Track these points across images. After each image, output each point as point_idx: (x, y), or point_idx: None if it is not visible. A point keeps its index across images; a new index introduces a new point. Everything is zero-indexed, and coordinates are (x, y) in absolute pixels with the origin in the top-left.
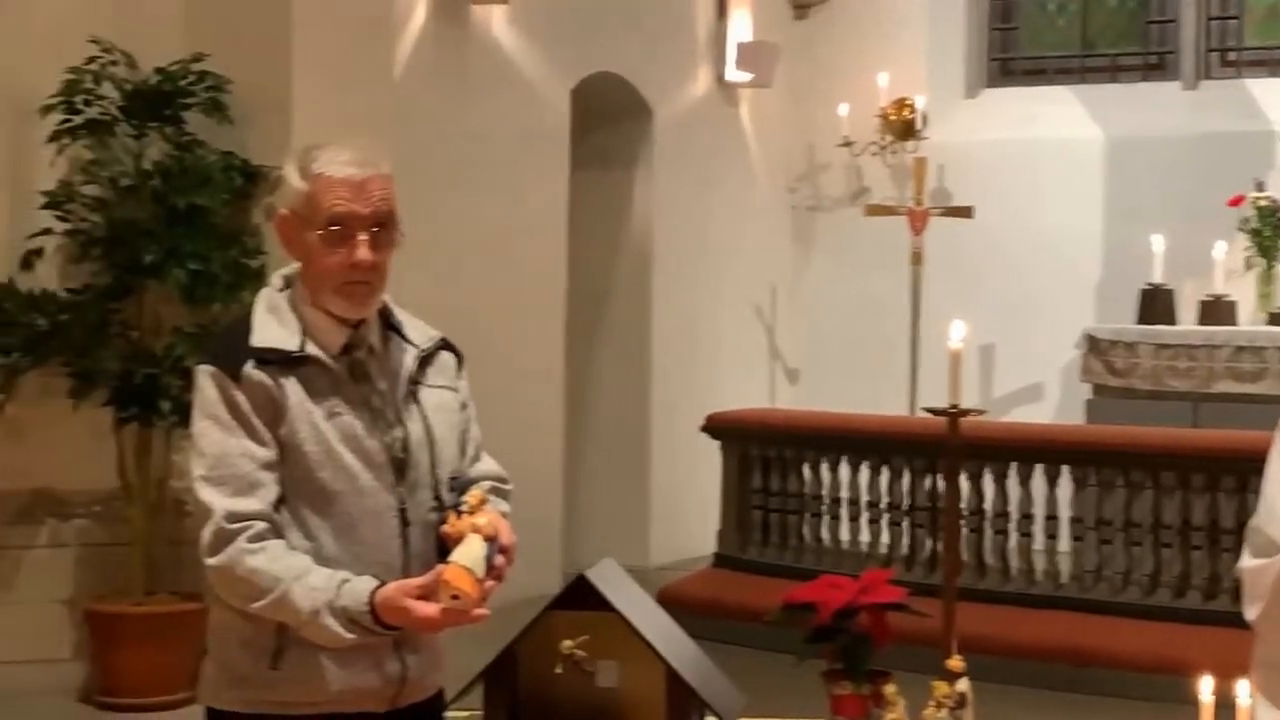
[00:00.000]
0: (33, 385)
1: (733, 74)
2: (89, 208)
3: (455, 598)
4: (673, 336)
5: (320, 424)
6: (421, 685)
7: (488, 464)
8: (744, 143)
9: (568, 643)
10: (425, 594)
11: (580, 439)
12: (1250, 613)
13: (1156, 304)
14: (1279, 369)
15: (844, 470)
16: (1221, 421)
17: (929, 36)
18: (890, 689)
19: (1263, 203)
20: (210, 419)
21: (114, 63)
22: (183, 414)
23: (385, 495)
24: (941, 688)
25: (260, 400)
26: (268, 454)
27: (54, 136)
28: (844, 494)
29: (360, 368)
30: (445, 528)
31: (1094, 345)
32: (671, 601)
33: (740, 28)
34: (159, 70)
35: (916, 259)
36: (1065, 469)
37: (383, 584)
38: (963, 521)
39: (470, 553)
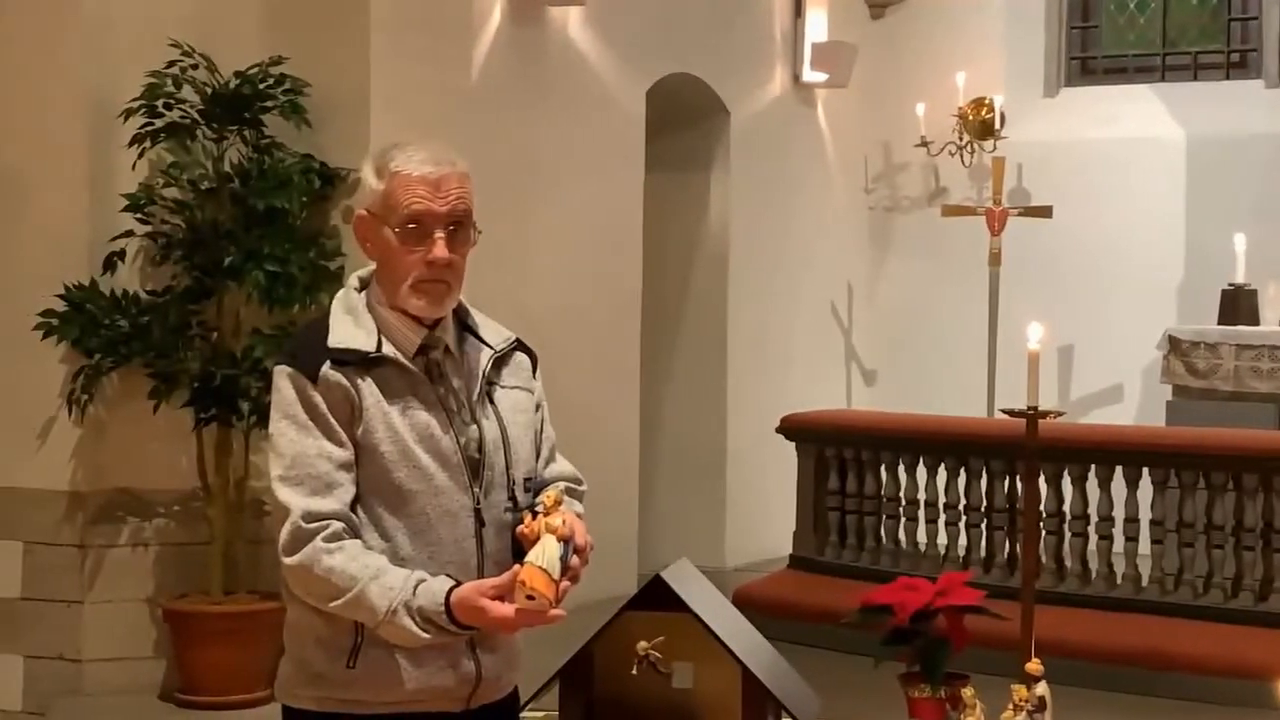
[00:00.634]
0: (114, 386)
1: (809, 74)
2: (169, 210)
3: (531, 598)
4: (748, 338)
5: (396, 424)
6: (497, 685)
7: (562, 465)
8: (820, 143)
9: (643, 644)
10: (501, 594)
11: (656, 440)
12: None
13: (1239, 304)
14: None
15: (921, 472)
16: None
17: (1007, 35)
18: (968, 692)
19: None
20: (288, 419)
21: (194, 66)
22: (261, 414)
23: (460, 495)
24: (1020, 691)
25: (337, 401)
26: (344, 454)
27: (135, 140)
28: (921, 496)
29: (436, 368)
30: (521, 528)
31: (1175, 346)
32: (747, 603)
33: (816, 28)
34: (238, 74)
35: (994, 260)
36: (1145, 471)
37: (458, 584)
38: (1041, 524)
39: (546, 553)
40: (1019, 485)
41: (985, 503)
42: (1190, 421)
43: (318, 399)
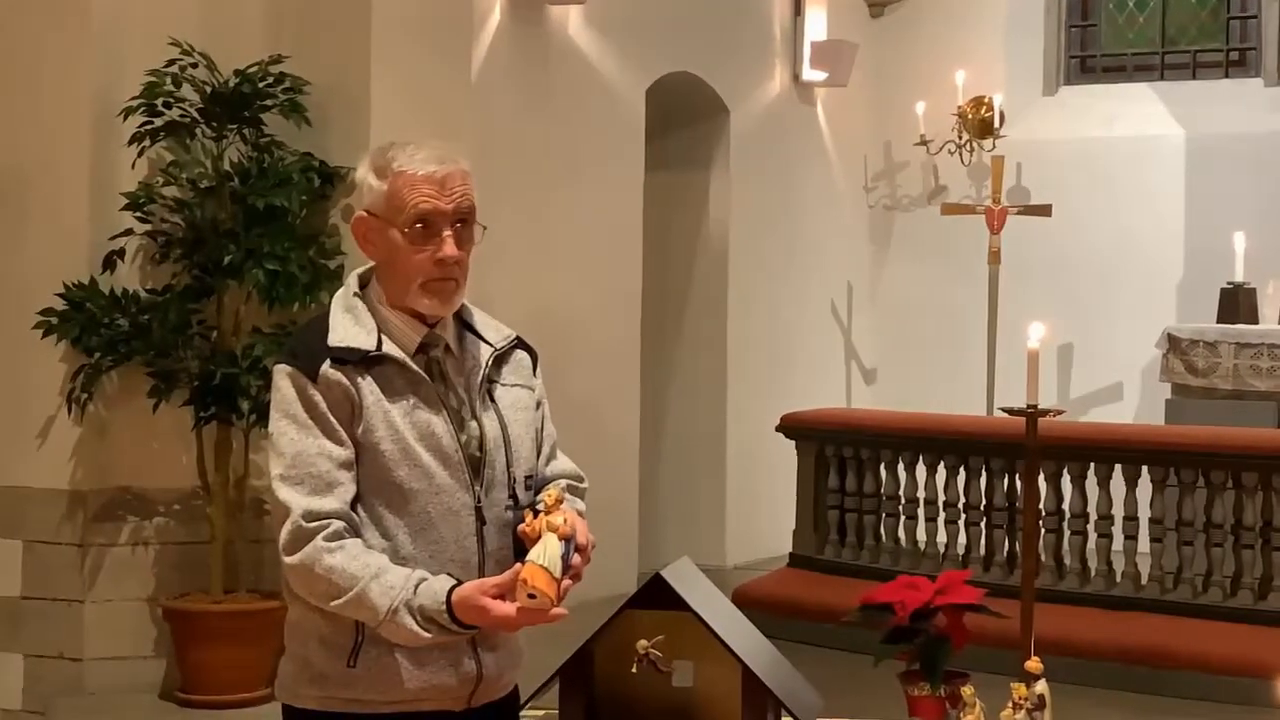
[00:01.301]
0: (114, 385)
1: (809, 73)
2: (169, 209)
3: (532, 597)
4: (749, 336)
5: (397, 422)
6: (498, 684)
7: (563, 463)
8: (820, 142)
9: (643, 642)
10: (502, 593)
11: (656, 439)
12: None
13: (1238, 303)
14: None
15: (921, 470)
16: None
17: (1006, 34)
18: (968, 690)
19: None
20: (288, 418)
21: (194, 65)
22: (261, 414)
23: (461, 494)
24: (1020, 689)
25: (337, 399)
26: (345, 453)
27: (134, 138)
28: (921, 494)
29: (436, 366)
30: (522, 527)
31: (1174, 344)
32: (748, 601)
33: (816, 26)
34: (238, 72)
35: (994, 258)
36: (1144, 469)
37: (459, 583)
38: (1041, 522)
39: (547, 552)
40: (1019, 483)
41: (985, 501)
42: (1189, 420)
43: (318, 398)
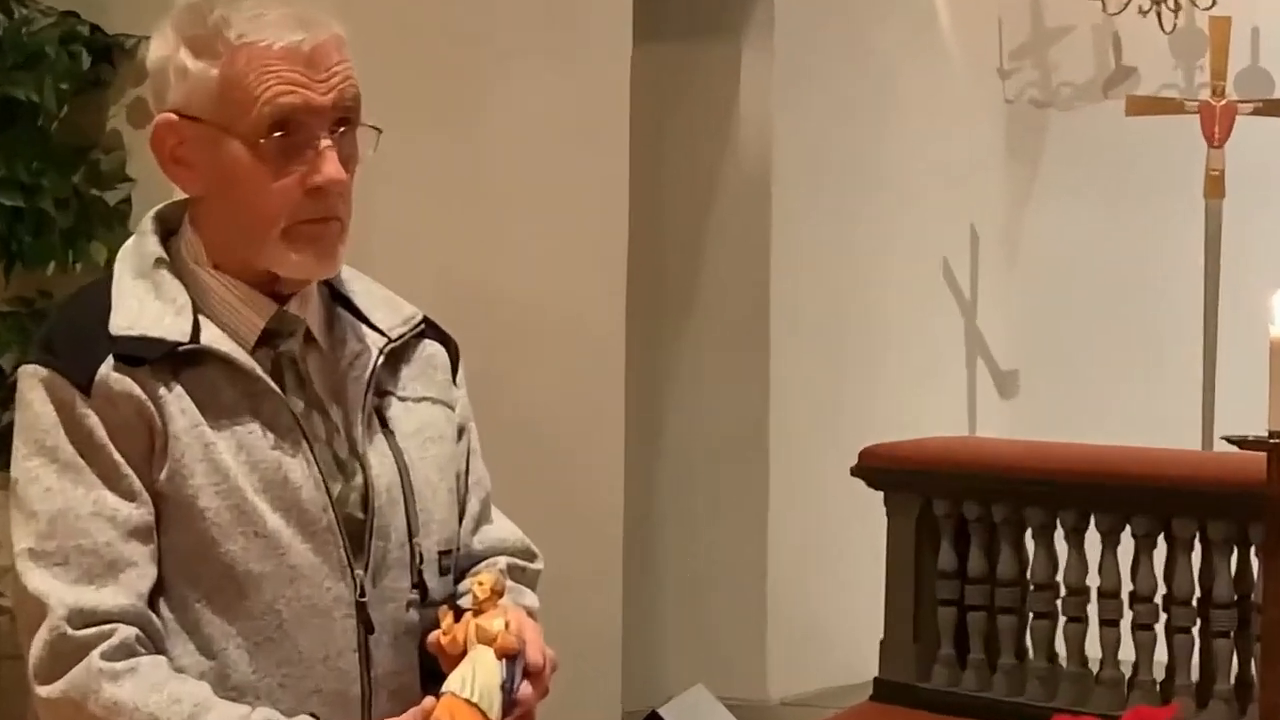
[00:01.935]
0: None
1: None
2: None
3: None
4: (805, 322)
5: (225, 463)
6: None
7: (502, 528)
8: None
9: None
10: None
11: (651, 491)
12: None
13: None
14: None
15: (1092, 540)
16: None
17: None
18: None
19: None
20: (42, 455)
21: None
22: None
23: (333, 581)
24: None
25: (126, 424)
26: (138, 513)
27: None
28: (1092, 581)
29: (292, 368)
30: (437, 635)
31: None
32: None
33: None
34: None
35: (1214, 187)
36: None
37: None
38: None
39: (478, 677)
40: (1255, 562)
41: (1199, 592)
42: None
43: (93, 421)
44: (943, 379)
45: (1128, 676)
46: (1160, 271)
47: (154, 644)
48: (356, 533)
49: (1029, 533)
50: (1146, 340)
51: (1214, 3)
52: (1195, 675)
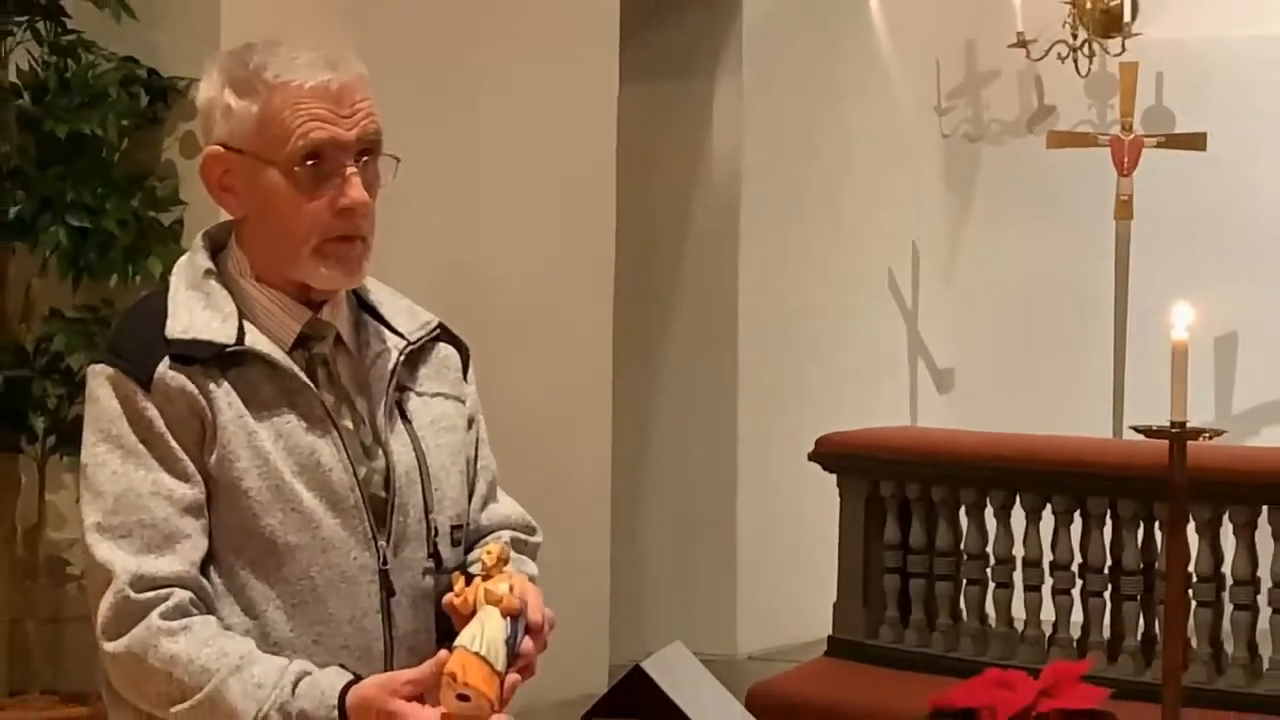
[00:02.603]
0: None
1: None
2: None
3: (464, 698)
4: (768, 325)
5: (266, 449)
6: None
7: (506, 506)
8: (873, 42)
9: None
10: (420, 692)
11: (637, 473)
12: None
13: None
14: None
15: (1018, 517)
16: None
17: None
18: None
19: None
20: (109, 442)
21: None
22: (62, 435)
23: (359, 552)
24: None
25: (180, 415)
26: (191, 492)
27: None
28: (1018, 551)
29: (324, 367)
30: (449, 598)
31: None
32: (768, 706)
33: None
34: None
35: (1124, 210)
36: None
37: (358, 678)
38: (1190, 592)
39: (486, 633)
40: (1158, 536)
41: (1110, 561)
42: None
43: (152, 413)
44: (888, 376)
45: (1048, 635)
46: (1077, 284)
47: (205, 605)
48: (380, 509)
49: (963, 510)
50: (1065, 343)
51: (1123, 50)
52: (1107, 634)
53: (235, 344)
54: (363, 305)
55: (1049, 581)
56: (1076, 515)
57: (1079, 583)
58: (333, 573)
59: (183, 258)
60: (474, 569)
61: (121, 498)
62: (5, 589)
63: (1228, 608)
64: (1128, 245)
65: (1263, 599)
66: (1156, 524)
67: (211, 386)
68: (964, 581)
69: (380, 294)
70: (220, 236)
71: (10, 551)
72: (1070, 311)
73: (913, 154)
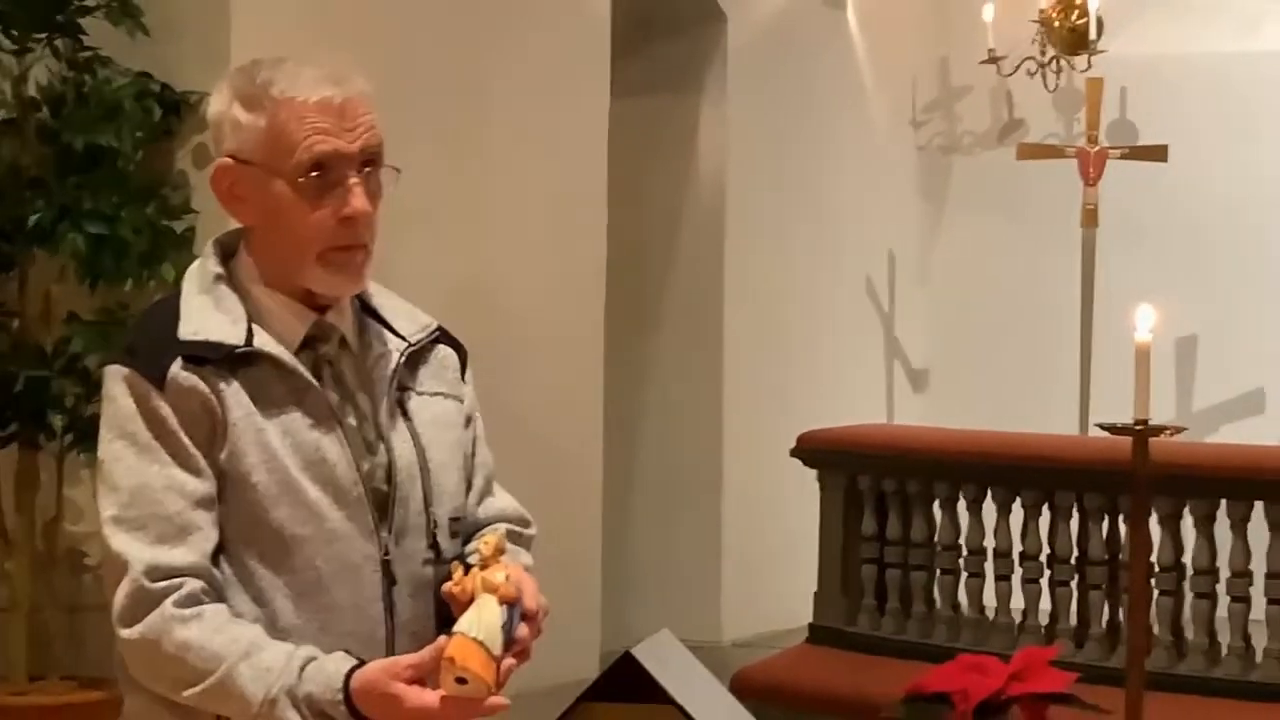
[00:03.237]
0: None
1: None
2: None
3: (462, 681)
4: (753, 326)
5: (274, 445)
6: None
7: (503, 500)
8: (852, 60)
9: None
10: (420, 676)
11: (627, 468)
12: None
13: None
14: None
15: (989, 510)
16: None
17: None
18: None
19: None
20: (124, 439)
21: None
22: (80, 432)
23: (363, 543)
24: None
25: (192, 413)
26: (203, 486)
27: None
28: (989, 543)
29: (329, 368)
30: (449, 586)
31: None
32: (752, 690)
33: None
34: None
35: (1090, 219)
36: None
37: (361, 663)
38: (1153, 581)
39: (483, 621)
40: (1123, 528)
41: (1077, 552)
42: None
43: (165, 411)
44: (866, 376)
45: (1018, 622)
46: (1045, 288)
47: (216, 594)
48: (382, 503)
49: (937, 503)
50: (1034, 344)
51: (1089, 66)
52: (1074, 621)
53: (244, 345)
54: (365, 309)
55: (1019, 571)
56: (1045, 508)
57: (1047, 572)
58: (338, 563)
59: (194, 264)
60: (472, 559)
61: (136, 492)
62: (26, 579)
63: (1188, 596)
64: (1093, 251)
65: (1221, 588)
66: (1120, 516)
67: (222, 386)
68: (938, 571)
69: (382, 298)
70: (230, 243)
71: (30, 543)
72: (1039, 314)
73: (890, 166)
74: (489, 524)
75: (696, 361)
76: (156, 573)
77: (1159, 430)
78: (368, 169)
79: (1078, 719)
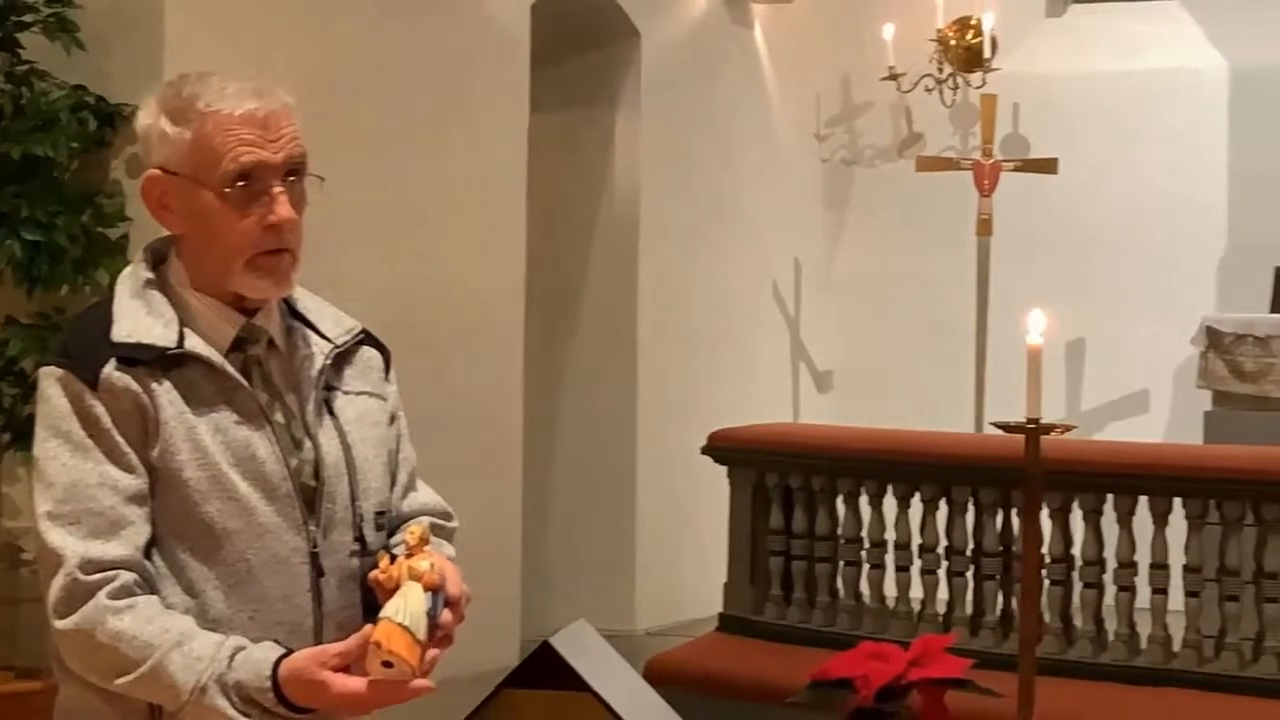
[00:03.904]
0: None
1: None
2: None
3: (388, 665)
4: (666, 330)
5: (205, 442)
6: None
7: (426, 494)
8: (759, 76)
9: None
10: (347, 664)
11: (546, 465)
12: None
13: None
14: None
15: (889, 504)
16: None
17: None
18: None
19: None
20: (59, 437)
21: None
22: (16, 431)
23: (291, 536)
24: None
25: (125, 412)
26: (135, 482)
27: None
28: (889, 536)
29: (257, 368)
30: (375, 573)
31: (1215, 340)
32: (665, 676)
33: None
34: None
35: (984, 227)
36: (1177, 503)
37: (290, 652)
38: (1044, 572)
39: (409, 606)
40: (1016, 522)
41: (972, 544)
42: (1235, 437)
43: (99, 410)
44: (773, 377)
45: (917, 611)
46: (942, 293)
47: (149, 586)
48: (310, 497)
49: (840, 499)
50: (932, 347)
51: (984, 83)
52: (970, 610)
53: (176, 347)
54: (292, 312)
55: (917, 563)
56: (942, 503)
57: (944, 564)
58: (267, 555)
59: (127, 269)
60: (398, 549)
61: (71, 488)
62: None
63: (1077, 586)
64: (988, 259)
65: (1108, 578)
66: (1014, 511)
67: (154, 386)
68: (841, 563)
69: (309, 302)
70: (162, 249)
71: None
72: (937, 319)
73: (795, 177)
74: (413, 517)
75: (611, 363)
76: (90, 566)
77: (1050, 429)
78: (292, 178)
79: (973, 703)
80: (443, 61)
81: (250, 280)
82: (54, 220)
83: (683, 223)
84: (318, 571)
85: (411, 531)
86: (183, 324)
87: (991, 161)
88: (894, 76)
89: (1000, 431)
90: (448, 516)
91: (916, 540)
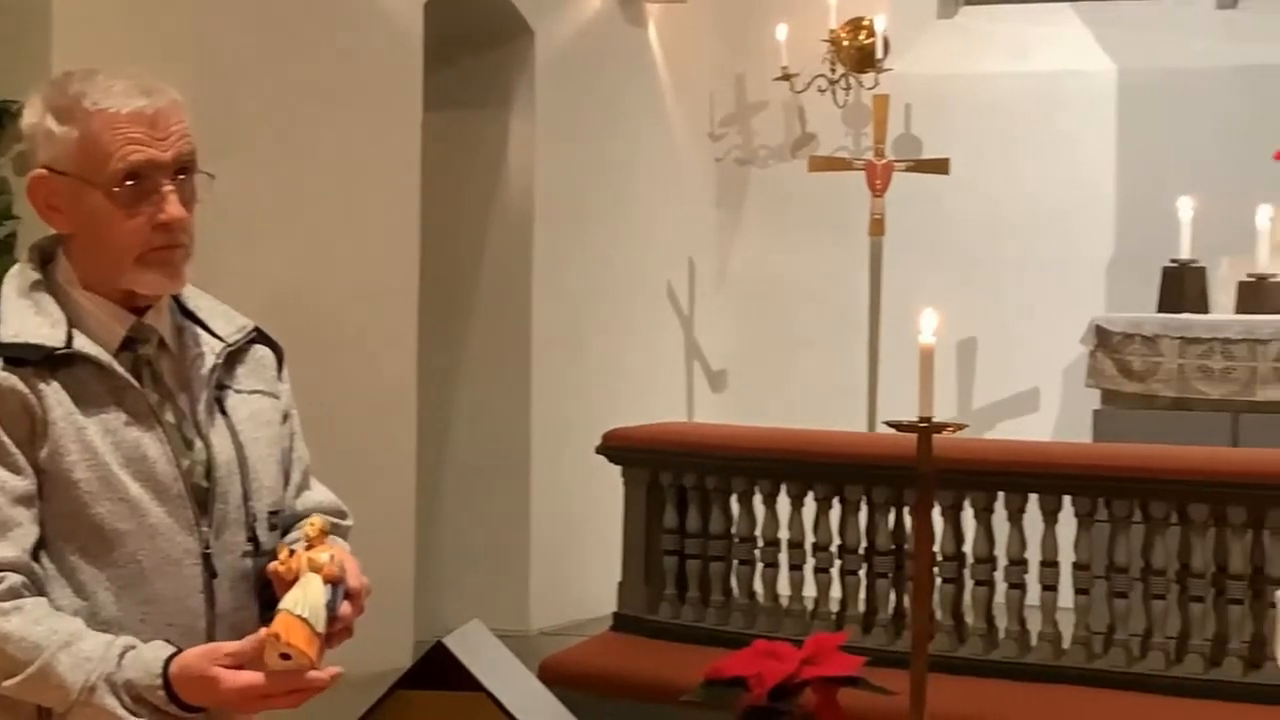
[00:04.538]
0: None
1: None
2: None
3: (286, 657)
4: (559, 329)
5: (94, 443)
6: None
7: (320, 493)
8: (653, 75)
9: None
10: (240, 664)
11: (438, 464)
12: None
13: (1184, 286)
14: None
15: (783, 504)
16: (1269, 438)
17: None
18: None
19: None
20: None
21: None
22: None
23: (183, 536)
24: None
25: (12, 413)
26: (23, 484)
27: None
28: (783, 534)
29: (147, 368)
30: (275, 565)
31: (1104, 340)
32: (559, 676)
33: None
34: None
35: (876, 227)
36: (1067, 500)
37: (180, 650)
38: (936, 569)
39: (308, 598)
40: (908, 520)
41: (865, 543)
42: (1124, 435)
43: None
44: (667, 377)
45: (810, 609)
46: (835, 293)
47: (37, 588)
48: (202, 498)
49: (734, 498)
50: (825, 346)
51: (876, 84)
52: (863, 608)
53: (64, 347)
54: (183, 311)
55: (811, 561)
56: (835, 502)
57: (838, 562)
58: (159, 556)
59: (13, 269)
60: (298, 544)
61: None
62: None
63: (969, 583)
64: (880, 258)
65: (999, 575)
66: (906, 509)
67: (42, 386)
68: (735, 562)
69: (200, 300)
70: (49, 249)
71: None
72: (829, 318)
73: (689, 176)
74: (307, 516)
75: (505, 361)
76: None
77: (941, 427)
78: (182, 176)
79: (866, 700)
80: (336, 60)
81: (142, 275)
82: None
83: (577, 222)
84: (210, 573)
85: (312, 523)
86: (71, 324)
87: (884, 162)
88: (787, 77)
89: (893, 430)
90: (342, 515)
91: (810, 539)
